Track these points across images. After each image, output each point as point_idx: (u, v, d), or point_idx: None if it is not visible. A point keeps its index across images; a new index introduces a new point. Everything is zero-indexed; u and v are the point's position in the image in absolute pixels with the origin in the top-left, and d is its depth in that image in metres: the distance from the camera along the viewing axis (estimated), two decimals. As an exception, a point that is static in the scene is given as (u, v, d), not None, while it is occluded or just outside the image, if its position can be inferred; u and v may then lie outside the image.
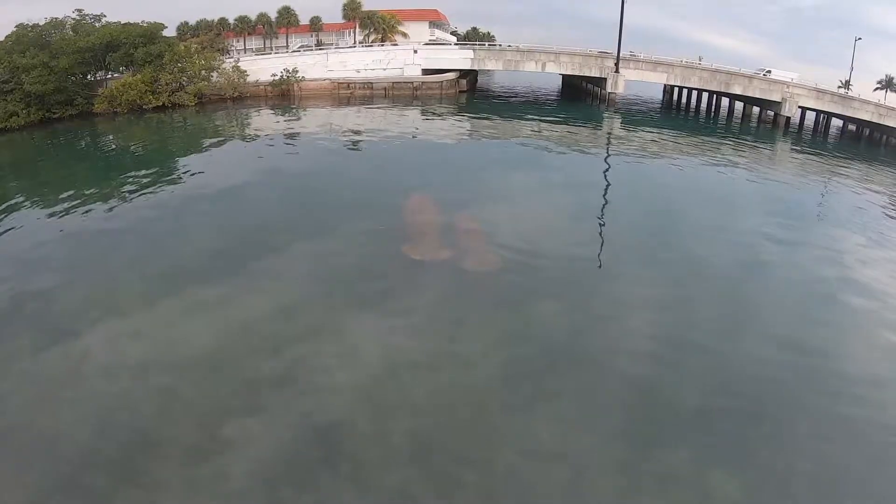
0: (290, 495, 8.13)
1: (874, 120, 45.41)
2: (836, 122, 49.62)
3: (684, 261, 17.00)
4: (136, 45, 42.94)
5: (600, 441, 9.48)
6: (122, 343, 11.69)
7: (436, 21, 76.82)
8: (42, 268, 15.45)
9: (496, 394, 10.45)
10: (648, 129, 41.76)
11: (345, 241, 16.99)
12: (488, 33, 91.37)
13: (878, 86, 68.16)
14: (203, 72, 45.75)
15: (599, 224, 20.05)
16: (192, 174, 25.72)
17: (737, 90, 48.40)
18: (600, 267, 16.39)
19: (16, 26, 42.60)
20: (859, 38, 59.36)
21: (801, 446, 9.71)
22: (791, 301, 15.02)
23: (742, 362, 11.92)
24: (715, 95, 53.87)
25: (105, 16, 45.94)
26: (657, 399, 10.59)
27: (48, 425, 9.52)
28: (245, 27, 73.40)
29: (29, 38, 41.59)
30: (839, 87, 54.60)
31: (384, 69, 51.65)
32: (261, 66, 49.65)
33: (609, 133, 40.88)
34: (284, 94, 48.60)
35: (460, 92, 52.38)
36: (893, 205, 26.75)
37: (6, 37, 42.68)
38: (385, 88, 49.99)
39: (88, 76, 45.23)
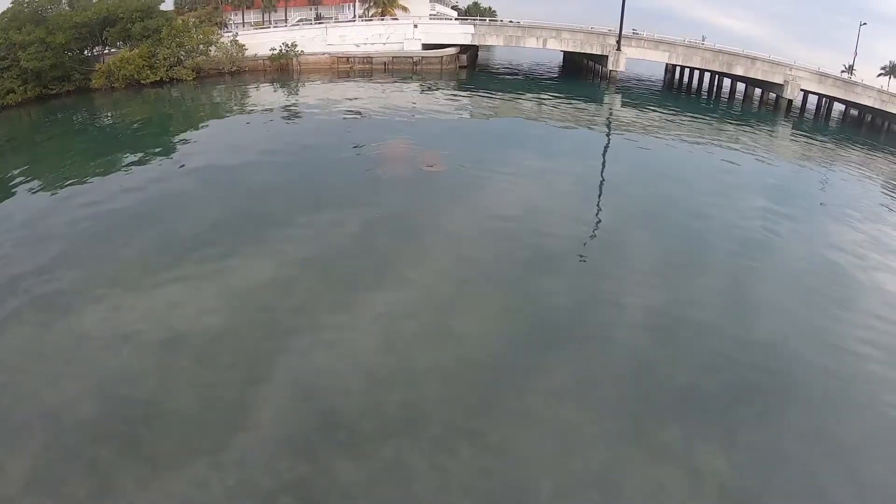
0: (287, 465, 8.34)
1: (876, 106, 44.89)
2: (839, 107, 49.25)
3: (679, 239, 17.21)
4: (134, 19, 42.31)
5: (594, 415, 9.70)
6: (123, 317, 11.83)
7: (436, -4, 75.63)
8: (42, 243, 15.51)
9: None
10: (649, 107, 41.51)
11: (341, 214, 17.13)
12: (489, 8, 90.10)
13: (882, 72, 67.10)
14: (201, 46, 45.15)
15: (596, 198, 20.28)
16: (191, 149, 25.68)
17: (739, 71, 47.88)
18: (593, 238, 16.74)
19: (11, 2, 41.65)
20: (864, 24, 58.16)
21: (791, 428, 9.89)
22: (788, 282, 15.20)
23: (737, 341, 12.11)
24: (717, 76, 53.34)
25: (101, -10, 45.15)
26: (651, 374, 10.82)
27: (51, 398, 9.69)
28: (243, 0, 72.26)
29: (25, 13, 40.85)
30: (842, 71, 53.91)
31: (384, 44, 51.02)
32: (259, 41, 48.95)
33: (609, 111, 40.67)
34: (283, 69, 48.08)
35: (460, 67, 51.81)
36: (891, 190, 26.94)
37: (2, 13, 41.96)
38: (385, 63, 49.42)
39: (85, 52, 44.50)
